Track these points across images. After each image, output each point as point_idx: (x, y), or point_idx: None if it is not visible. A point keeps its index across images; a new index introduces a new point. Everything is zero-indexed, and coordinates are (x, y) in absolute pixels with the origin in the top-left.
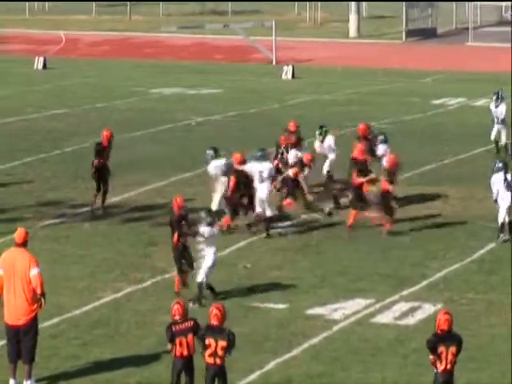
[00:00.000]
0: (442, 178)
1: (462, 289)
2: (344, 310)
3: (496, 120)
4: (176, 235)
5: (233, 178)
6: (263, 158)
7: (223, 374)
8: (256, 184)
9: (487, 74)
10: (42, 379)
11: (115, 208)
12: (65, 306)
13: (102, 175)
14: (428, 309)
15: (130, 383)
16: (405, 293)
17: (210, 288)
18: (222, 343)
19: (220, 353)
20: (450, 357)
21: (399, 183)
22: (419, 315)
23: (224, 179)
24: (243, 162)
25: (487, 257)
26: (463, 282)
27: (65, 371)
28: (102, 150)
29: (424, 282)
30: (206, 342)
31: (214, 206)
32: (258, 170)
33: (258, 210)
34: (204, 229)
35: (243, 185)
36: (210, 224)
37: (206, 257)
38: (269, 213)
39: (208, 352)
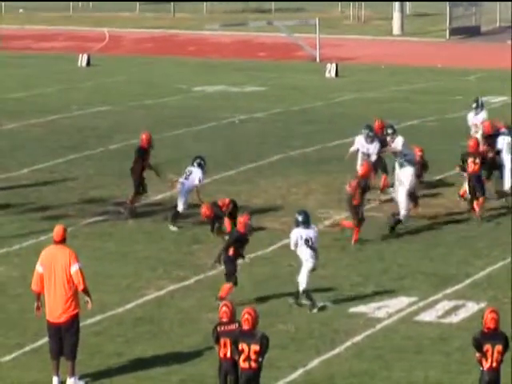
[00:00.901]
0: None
1: (505, 287)
2: (387, 309)
3: (475, 129)
4: (232, 250)
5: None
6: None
7: (256, 378)
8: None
9: None
10: (85, 376)
11: (159, 205)
12: (108, 304)
13: (142, 177)
14: (471, 307)
15: (173, 381)
16: (448, 291)
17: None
18: (255, 347)
19: (253, 357)
20: (495, 355)
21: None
22: (463, 314)
23: None
24: None
25: None
26: (507, 280)
27: (108, 368)
28: (143, 153)
29: (468, 281)
30: (240, 347)
31: None
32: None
33: None
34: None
35: None
36: (306, 225)
37: (306, 262)
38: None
39: (242, 357)
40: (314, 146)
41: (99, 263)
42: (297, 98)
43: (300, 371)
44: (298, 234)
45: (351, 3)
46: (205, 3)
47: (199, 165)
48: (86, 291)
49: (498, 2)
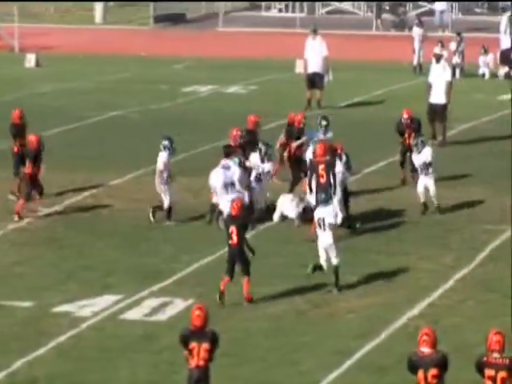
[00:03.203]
0: (194, 169)
1: (213, 284)
2: (92, 307)
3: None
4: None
5: None
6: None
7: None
8: None
9: (238, 60)
10: None
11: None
12: None
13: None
14: (179, 304)
15: None
16: (155, 288)
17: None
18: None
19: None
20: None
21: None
22: (170, 311)
23: None
24: None
25: None
26: (214, 276)
27: None
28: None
29: (175, 277)
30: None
31: None
32: None
33: None
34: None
35: None
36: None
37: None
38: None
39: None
40: None
41: None
42: None
43: (3, 373)
44: None
45: None
46: None
47: (164, 147)
48: None
49: None
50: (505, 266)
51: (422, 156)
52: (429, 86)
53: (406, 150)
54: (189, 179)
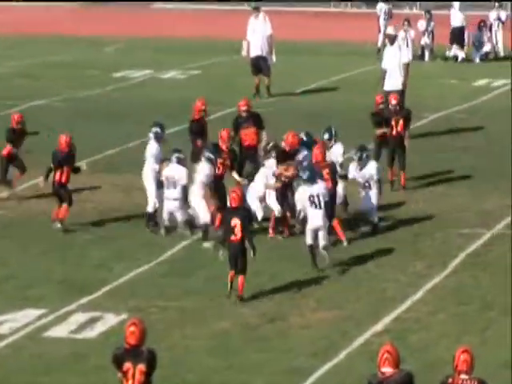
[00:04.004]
0: (125, 165)
1: (150, 295)
2: (12, 323)
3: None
4: None
5: None
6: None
7: None
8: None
9: (177, 40)
10: None
11: None
12: None
13: None
14: (110, 320)
15: None
16: (83, 301)
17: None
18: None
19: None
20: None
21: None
22: (100, 327)
23: None
24: None
25: (178, 256)
26: (152, 286)
27: None
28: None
29: (106, 288)
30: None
31: None
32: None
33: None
34: None
35: None
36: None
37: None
38: None
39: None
40: None
41: None
42: None
43: None
44: None
45: None
46: None
47: (156, 137)
48: None
49: None
50: (481, 273)
51: (365, 172)
52: (383, 73)
53: (381, 144)
54: (120, 176)
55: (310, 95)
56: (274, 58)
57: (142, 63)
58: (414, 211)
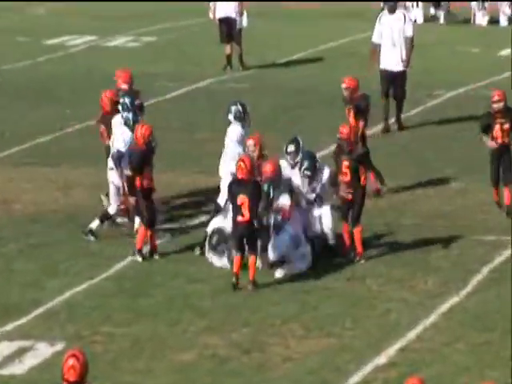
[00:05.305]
0: (61, 156)
1: (93, 319)
2: None
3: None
4: None
5: None
6: None
7: None
8: None
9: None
10: None
11: None
12: None
13: None
14: (44, 350)
15: None
16: (9, 327)
17: None
18: None
19: None
20: None
21: None
22: (31, 360)
23: None
24: None
25: (129, 271)
26: (96, 308)
27: None
28: None
29: (37, 311)
30: None
31: None
32: None
33: None
34: None
35: None
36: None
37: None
38: None
39: None
40: None
41: None
42: None
43: None
44: None
45: None
46: None
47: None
48: None
49: None
50: (509, 292)
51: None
52: (374, 47)
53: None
54: (53, 169)
55: (293, 68)
56: (244, 20)
57: (82, 28)
58: (423, 212)
